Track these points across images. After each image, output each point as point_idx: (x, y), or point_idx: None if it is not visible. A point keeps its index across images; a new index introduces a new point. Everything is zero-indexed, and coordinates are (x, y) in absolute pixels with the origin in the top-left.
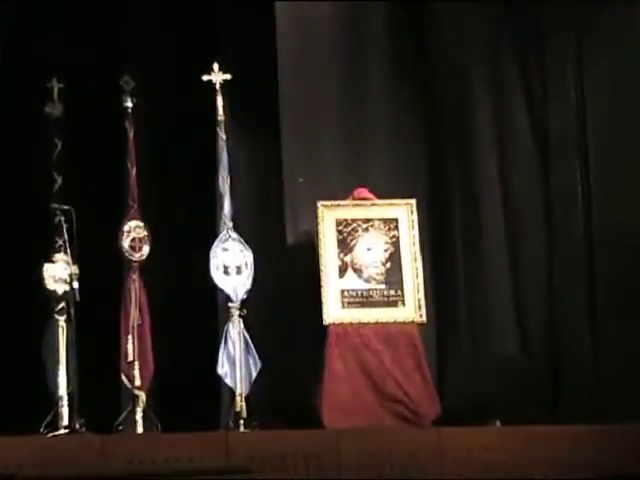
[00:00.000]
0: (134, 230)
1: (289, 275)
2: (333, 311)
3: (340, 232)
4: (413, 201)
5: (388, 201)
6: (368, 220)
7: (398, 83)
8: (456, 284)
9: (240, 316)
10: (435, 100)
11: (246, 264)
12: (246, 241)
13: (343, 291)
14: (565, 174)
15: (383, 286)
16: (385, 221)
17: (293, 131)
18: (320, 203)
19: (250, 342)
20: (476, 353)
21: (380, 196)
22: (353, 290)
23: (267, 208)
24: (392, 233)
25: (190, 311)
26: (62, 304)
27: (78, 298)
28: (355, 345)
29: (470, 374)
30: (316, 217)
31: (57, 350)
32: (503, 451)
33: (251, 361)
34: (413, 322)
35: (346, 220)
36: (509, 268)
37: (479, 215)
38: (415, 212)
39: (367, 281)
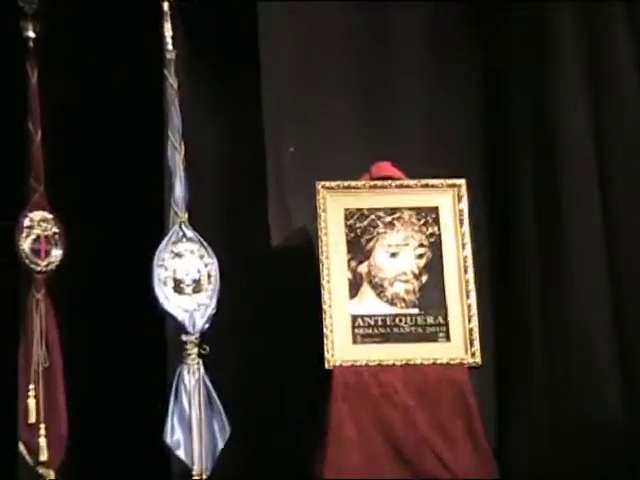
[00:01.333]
0: (38, 225)
1: (274, 294)
2: (341, 348)
3: (351, 228)
4: (462, 182)
5: (424, 181)
6: (393, 210)
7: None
8: (527, 308)
9: (200, 355)
10: (498, 35)
11: (209, 277)
12: (209, 242)
13: (355, 318)
14: None
15: (416, 310)
16: (419, 211)
17: (280, 77)
18: (321, 184)
19: (215, 395)
20: (556, 410)
21: (412, 174)
22: (370, 316)
23: (241, 192)
24: (430, 230)
25: (123, 348)
26: None
27: None
28: (374, 398)
29: (547, 441)
30: (315, 206)
31: None
32: None
33: (216, 424)
34: (462, 364)
35: (360, 210)
36: (607, 283)
37: (561, 203)
38: (465, 198)
39: (392, 303)
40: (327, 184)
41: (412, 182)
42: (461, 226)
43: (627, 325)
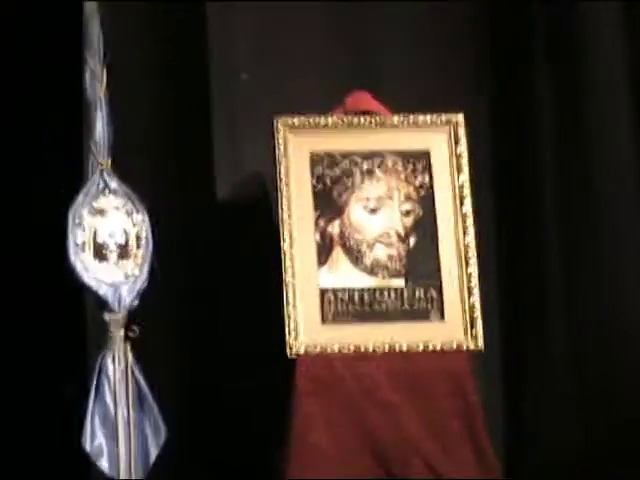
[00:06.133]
0: None
1: (221, 260)
2: (307, 330)
3: (320, 178)
4: (460, 117)
5: (413, 117)
6: (373, 154)
7: None
8: (545, 279)
9: (128, 339)
10: None
11: (138, 240)
12: (139, 195)
13: (325, 291)
14: None
15: (402, 282)
16: (406, 156)
17: None
18: (280, 121)
19: (147, 390)
20: (585, 404)
21: (397, 108)
22: (344, 290)
23: (181, 131)
24: (420, 180)
25: (31, 330)
26: None
27: None
28: (349, 395)
29: (576, 442)
30: (273, 147)
31: None
32: None
33: (148, 427)
34: (460, 350)
35: (331, 155)
36: None
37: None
38: (464, 139)
39: (371, 272)
40: (289, 120)
41: (397, 118)
42: (459, 175)
43: None
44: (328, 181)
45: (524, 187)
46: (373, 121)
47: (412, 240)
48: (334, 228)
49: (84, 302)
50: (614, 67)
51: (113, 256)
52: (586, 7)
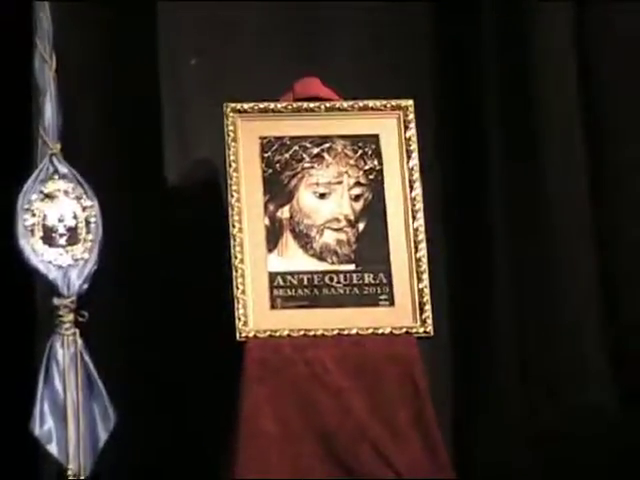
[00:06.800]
0: None
1: (170, 245)
2: (256, 314)
3: (269, 162)
4: (410, 103)
5: (362, 102)
6: (323, 139)
7: None
8: (494, 260)
9: (78, 324)
10: None
11: (88, 224)
12: (88, 179)
13: (274, 276)
14: None
15: (351, 266)
16: (356, 141)
17: None
18: (230, 106)
19: (96, 375)
20: (531, 398)
21: (346, 94)
22: (294, 274)
23: (129, 116)
24: (369, 164)
25: None
26: None
27: None
28: (298, 379)
29: (521, 432)
30: (223, 133)
31: None
32: None
33: (97, 411)
34: (409, 335)
35: (281, 139)
36: (592, 239)
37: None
38: (414, 124)
39: (320, 257)
40: (238, 106)
41: (347, 103)
42: (408, 159)
43: (619, 286)
44: (278, 166)
45: (473, 174)
46: (322, 106)
47: (362, 225)
48: (284, 213)
49: (34, 286)
50: (565, 68)
51: (62, 240)
52: (538, 5)
